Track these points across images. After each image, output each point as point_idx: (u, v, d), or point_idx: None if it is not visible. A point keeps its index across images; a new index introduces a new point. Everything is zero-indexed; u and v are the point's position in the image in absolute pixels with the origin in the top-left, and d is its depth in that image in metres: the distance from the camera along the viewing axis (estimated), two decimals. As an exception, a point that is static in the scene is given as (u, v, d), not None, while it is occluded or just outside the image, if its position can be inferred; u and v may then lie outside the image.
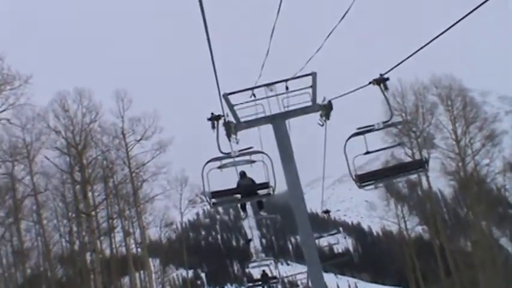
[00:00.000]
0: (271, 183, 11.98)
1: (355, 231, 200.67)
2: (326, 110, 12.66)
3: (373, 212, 63.49)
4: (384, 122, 11.25)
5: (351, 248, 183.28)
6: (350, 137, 11.03)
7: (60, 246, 53.63)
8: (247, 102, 12.67)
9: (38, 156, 48.36)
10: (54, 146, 48.01)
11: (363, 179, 10.93)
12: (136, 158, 50.61)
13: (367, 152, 11.14)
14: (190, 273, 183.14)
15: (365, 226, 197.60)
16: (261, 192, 12.63)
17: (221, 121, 12.03)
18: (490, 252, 43.86)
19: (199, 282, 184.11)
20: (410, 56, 9.16)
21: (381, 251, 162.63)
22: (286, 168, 12.56)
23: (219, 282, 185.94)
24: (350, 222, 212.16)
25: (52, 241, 52.70)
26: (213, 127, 11.88)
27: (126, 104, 50.15)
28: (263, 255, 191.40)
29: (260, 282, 34.79)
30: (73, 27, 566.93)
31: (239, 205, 15.13)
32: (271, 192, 12.07)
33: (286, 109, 13.13)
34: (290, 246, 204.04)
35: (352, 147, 11.11)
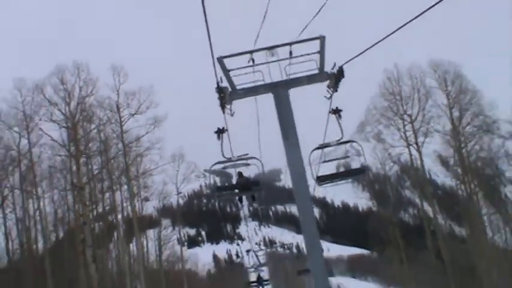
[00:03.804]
0: (261, 182, 10.46)
1: (320, 203, 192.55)
2: (335, 78, 8.36)
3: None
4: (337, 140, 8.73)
5: (317, 216, 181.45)
6: (313, 150, 9.01)
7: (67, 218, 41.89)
8: (244, 67, 8.36)
9: (35, 129, 35.83)
10: (51, 118, 34.91)
11: (322, 180, 9.06)
12: (131, 132, 37.15)
13: (325, 161, 9.36)
14: (194, 231, 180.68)
15: (329, 199, 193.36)
16: (253, 188, 10.76)
17: (216, 87, 8.30)
18: (489, 242, 30.86)
19: (200, 238, 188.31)
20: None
21: (340, 220, 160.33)
22: (287, 144, 8.62)
23: (215, 238, 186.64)
24: (316, 196, 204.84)
25: (61, 211, 42.16)
26: (219, 138, 9.09)
27: (122, 77, 36.43)
28: (252, 220, 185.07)
29: (256, 283, 32.71)
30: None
31: (237, 197, 14.72)
32: (261, 188, 10.63)
33: (289, 77, 8.76)
34: (271, 213, 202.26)
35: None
